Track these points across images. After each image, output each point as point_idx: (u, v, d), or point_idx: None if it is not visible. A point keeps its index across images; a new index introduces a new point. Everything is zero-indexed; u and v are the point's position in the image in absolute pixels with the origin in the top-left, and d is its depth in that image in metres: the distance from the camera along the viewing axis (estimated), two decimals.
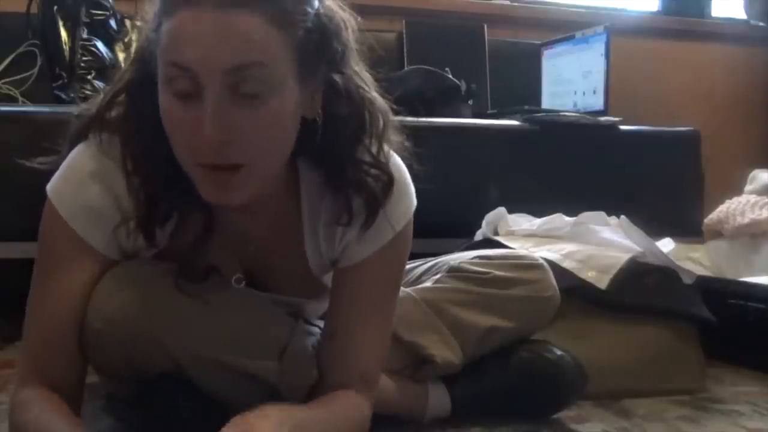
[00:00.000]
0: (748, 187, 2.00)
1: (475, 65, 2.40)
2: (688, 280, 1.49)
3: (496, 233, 1.66)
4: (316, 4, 0.88)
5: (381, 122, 0.95)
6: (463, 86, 2.11)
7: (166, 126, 0.87)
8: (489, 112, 2.26)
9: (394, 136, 0.99)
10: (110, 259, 0.96)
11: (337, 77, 0.91)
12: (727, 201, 1.97)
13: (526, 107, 2.15)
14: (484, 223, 1.68)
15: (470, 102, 2.14)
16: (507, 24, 2.62)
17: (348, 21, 0.92)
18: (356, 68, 0.94)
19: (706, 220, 1.98)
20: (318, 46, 0.88)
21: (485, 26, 2.43)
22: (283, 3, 0.84)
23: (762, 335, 1.58)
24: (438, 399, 1.17)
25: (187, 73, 0.82)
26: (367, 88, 0.94)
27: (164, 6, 0.85)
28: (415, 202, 1.03)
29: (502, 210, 1.68)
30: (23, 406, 0.89)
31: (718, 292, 1.62)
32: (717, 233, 1.94)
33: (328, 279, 1.08)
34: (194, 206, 0.94)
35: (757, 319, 1.60)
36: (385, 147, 0.97)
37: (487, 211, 1.68)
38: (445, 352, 1.16)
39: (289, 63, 0.85)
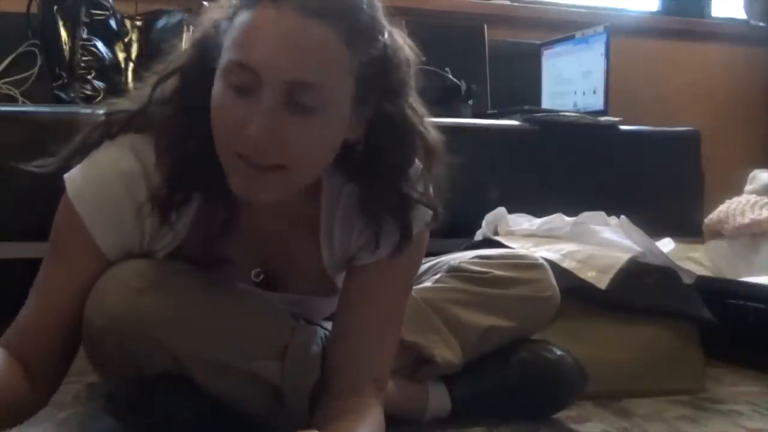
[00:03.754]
0: (748, 187, 2.00)
1: (475, 65, 2.39)
2: (688, 280, 1.49)
3: (496, 233, 1.66)
4: (386, 34, 0.89)
5: (430, 157, 0.96)
6: (463, 86, 2.11)
7: (214, 112, 0.87)
8: (489, 112, 2.26)
9: (440, 168, 0.98)
10: (101, 258, 0.96)
11: (390, 108, 0.91)
12: (727, 201, 1.97)
13: (526, 107, 2.15)
14: (484, 223, 1.68)
15: (470, 102, 2.14)
16: (507, 24, 2.62)
17: (411, 59, 0.92)
18: (412, 103, 0.94)
19: (706, 220, 1.98)
20: (378, 74, 0.88)
21: (485, 26, 2.42)
22: (359, 24, 0.85)
23: (762, 335, 1.58)
24: (438, 399, 1.17)
25: (250, 73, 0.83)
26: (419, 123, 0.94)
27: None
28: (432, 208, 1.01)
29: (502, 210, 1.68)
30: None
31: (718, 292, 1.63)
32: (717, 233, 1.94)
33: (339, 280, 1.08)
34: (219, 196, 0.94)
35: (757, 319, 1.60)
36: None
37: (487, 211, 1.68)
38: (445, 352, 1.16)
39: (348, 84, 0.86)
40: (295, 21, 0.81)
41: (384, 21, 0.90)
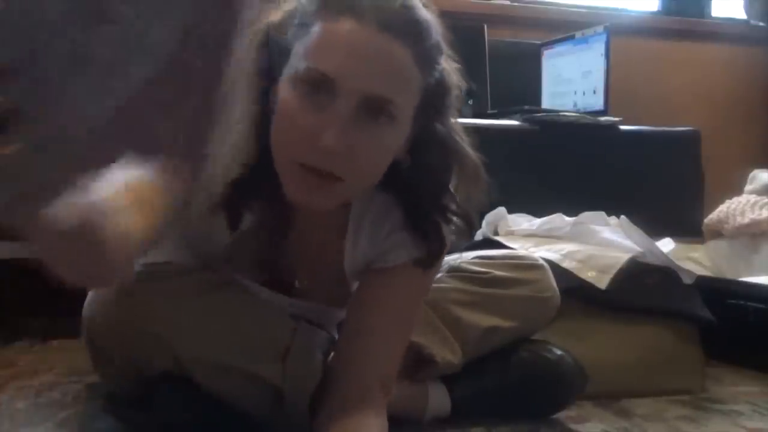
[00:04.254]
0: (748, 187, 2.00)
1: (475, 65, 2.39)
2: (688, 280, 1.49)
3: (496, 233, 1.66)
4: (442, 60, 0.92)
5: (471, 174, 0.98)
6: (463, 86, 2.11)
7: (282, 120, 0.88)
8: (489, 112, 2.26)
9: (479, 187, 1.00)
10: None
11: (440, 129, 0.94)
12: (727, 201, 1.96)
13: (526, 107, 2.15)
14: (484, 223, 1.68)
15: (470, 102, 2.13)
16: (507, 24, 2.62)
17: (459, 85, 0.95)
18: (455, 124, 0.97)
19: (706, 220, 1.98)
20: (435, 97, 0.91)
21: (485, 26, 2.43)
22: (428, 48, 0.88)
23: (762, 335, 1.58)
24: (438, 399, 1.17)
25: (327, 83, 0.84)
26: (462, 143, 0.98)
27: (325, 5, 0.86)
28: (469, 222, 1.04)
29: (502, 210, 1.68)
30: None
31: (718, 292, 1.62)
32: (717, 233, 1.94)
33: (353, 287, 1.09)
34: (274, 203, 0.94)
35: (757, 319, 1.60)
36: None
37: (487, 211, 1.68)
38: (445, 352, 1.16)
39: (413, 105, 0.89)
40: (378, 38, 0.84)
41: (443, 46, 0.92)
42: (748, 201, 1.91)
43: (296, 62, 0.87)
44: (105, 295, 0.95)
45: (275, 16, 0.92)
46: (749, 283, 1.70)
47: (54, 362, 1.40)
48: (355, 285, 1.07)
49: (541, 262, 1.25)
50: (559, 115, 2.10)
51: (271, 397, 0.98)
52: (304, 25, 0.88)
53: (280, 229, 0.97)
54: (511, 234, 1.63)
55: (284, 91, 0.88)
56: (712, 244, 1.94)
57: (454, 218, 0.99)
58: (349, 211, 1.03)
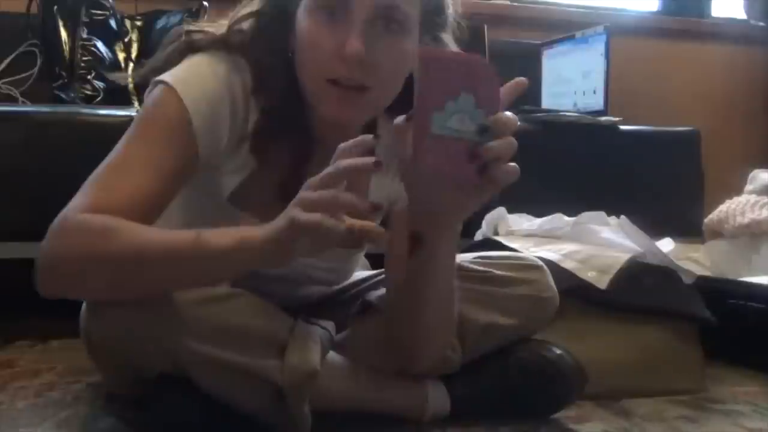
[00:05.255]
0: (748, 187, 2.00)
1: None
2: (688, 280, 1.48)
3: (496, 233, 1.66)
4: None
5: None
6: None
7: (304, 44, 0.95)
8: None
9: None
10: (194, 164, 0.97)
11: (444, 38, 1.03)
12: (727, 201, 1.96)
13: (526, 107, 2.15)
14: (484, 223, 1.68)
15: None
16: (507, 24, 2.62)
17: (453, 2, 1.03)
18: (450, 40, 1.05)
19: (706, 220, 1.98)
20: (436, 6, 1.00)
21: (485, 26, 2.43)
22: None
23: (762, 335, 1.58)
24: (438, 398, 1.17)
25: (341, 1, 0.92)
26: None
27: None
28: None
29: (502, 210, 1.68)
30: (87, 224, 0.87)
31: (718, 292, 1.62)
32: (717, 233, 1.94)
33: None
34: (296, 133, 1.02)
35: (757, 319, 1.60)
36: None
37: (487, 211, 1.68)
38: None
39: (418, 12, 0.97)
40: None
41: None
42: (748, 201, 1.91)
43: None
44: None
45: None
46: (749, 283, 1.70)
47: (54, 362, 1.40)
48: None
49: (540, 263, 1.25)
50: (559, 115, 2.10)
51: (270, 395, 0.98)
52: None
53: (304, 160, 1.02)
54: (511, 234, 1.63)
55: (302, 22, 0.96)
56: (712, 244, 1.94)
57: None
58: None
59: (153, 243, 0.86)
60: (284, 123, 1.00)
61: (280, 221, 0.81)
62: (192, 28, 1.03)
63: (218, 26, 1.03)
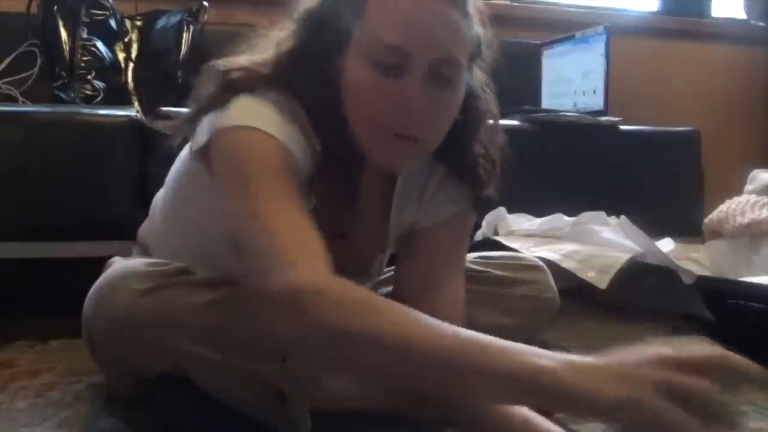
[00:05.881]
0: (748, 187, 2.00)
1: None
2: (688, 280, 1.49)
3: (496, 233, 1.66)
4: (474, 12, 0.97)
5: (492, 120, 1.06)
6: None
7: (358, 92, 0.94)
8: None
9: (500, 136, 1.08)
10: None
11: (478, 76, 1.02)
12: (727, 201, 1.96)
13: (526, 107, 2.15)
14: (484, 223, 1.68)
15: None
16: (507, 24, 2.62)
17: (490, 39, 1.01)
18: (482, 74, 1.03)
19: (706, 220, 1.98)
20: (475, 50, 0.98)
21: None
22: (469, 5, 0.95)
23: (762, 335, 1.58)
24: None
25: (399, 54, 0.90)
26: (489, 91, 1.05)
27: None
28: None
29: (502, 210, 1.68)
30: (359, 305, 0.77)
31: (718, 292, 1.62)
32: (717, 233, 1.94)
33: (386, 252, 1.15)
34: (350, 170, 1.00)
35: (757, 319, 1.60)
36: None
37: (487, 211, 1.68)
38: None
39: (466, 59, 0.96)
40: (436, 5, 0.91)
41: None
42: (748, 201, 1.91)
43: (363, 41, 0.92)
44: (106, 297, 0.95)
45: (310, 1, 0.98)
46: (749, 283, 1.70)
47: (54, 362, 1.40)
48: (388, 251, 1.13)
49: (541, 263, 1.25)
50: (559, 115, 2.10)
51: (271, 398, 0.97)
52: (357, 7, 0.93)
53: (354, 197, 1.01)
54: (511, 234, 1.63)
55: (357, 69, 0.93)
56: (712, 244, 1.94)
57: (482, 161, 1.06)
58: (394, 176, 1.08)
59: (422, 337, 0.76)
60: (339, 161, 0.98)
61: (610, 387, 0.69)
62: (226, 65, 0.97)
63: (250, 60, 0.98)
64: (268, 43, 1.01)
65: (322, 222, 0.97)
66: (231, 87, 0.95)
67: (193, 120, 0.97)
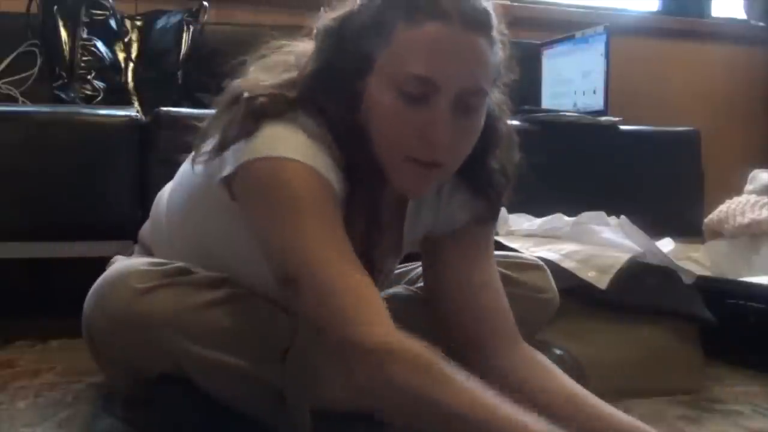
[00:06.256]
0: (748, 187, 2.00)
1: None
2: (688, 280, 1.48)
3: (496, 233, 1.66)
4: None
5: (506, 132, 1.06)
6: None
7: (383, 119, 0.93)
8: None
9: (516, 153, 1.09)
10: None
11: (495, 95, 1.01)
12: (727, 201, 1.96)
13: (526, 107, 2.15)
14: None
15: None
16: (507, 24, 2.62)
17: (507, 55, 0.99)
18: (498, 91, 1.03)
19: (706, 220, 1.98)
20: (497, 73, 0.97)
21: None
22: (493, 30, 0.94)
23: (762, 335, 1.58)
24: None
25: (430, 83, 0.89)
26: (507, 110, 1.05)
27: (405, 11, 0.90)
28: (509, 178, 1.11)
29: (502, 210, 1.68)
30: (429, 371, 0.80)
31: (718, 292, 1.62)
32: (717, 233, 1.94)
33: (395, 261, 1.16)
34: (378, 192, 0.99)
35: (757, 319, 1.60)
36: None
37: None
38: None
39: (490, 84, 0.96)
40: (465, 35, 0.90)
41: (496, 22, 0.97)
42: (748, 201, 1.91)
43: (391, 69, 0.91)
44: (106, 296, 0.95)
45: (329, 19, 0.96)
46: (749, 283, 1.70)
47: (54, 362, 1.40)
48: (398, 260, 1.15)
49: (541, 263, 1.25)
50: (559, 115, 2.10)
51: (271, 398, 0.98)
52: (383, 32, 0.91)
53: (378, 222, 1.00)
54: (511, 234, 1.63)
55: (381, 95, 0.92)
56: (712, 244, 1.94)
57: (497, 176, 1.06)
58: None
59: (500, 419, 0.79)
60: (366, 186, 0.97)
61: None
62: (254, 90, 0.94)
63: (272, 82, 0.95)
64: (286, 58, 0.99)
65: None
66: (258, 114, 0.92)
67: (220, 149, 0.93)
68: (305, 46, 0.99)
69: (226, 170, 0.92)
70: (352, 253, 0.89)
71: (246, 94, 0.93)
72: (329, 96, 0.94)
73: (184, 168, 1.10)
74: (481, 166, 1.05)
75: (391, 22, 0.91)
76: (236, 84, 0.96)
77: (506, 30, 0.98)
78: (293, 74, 0.96)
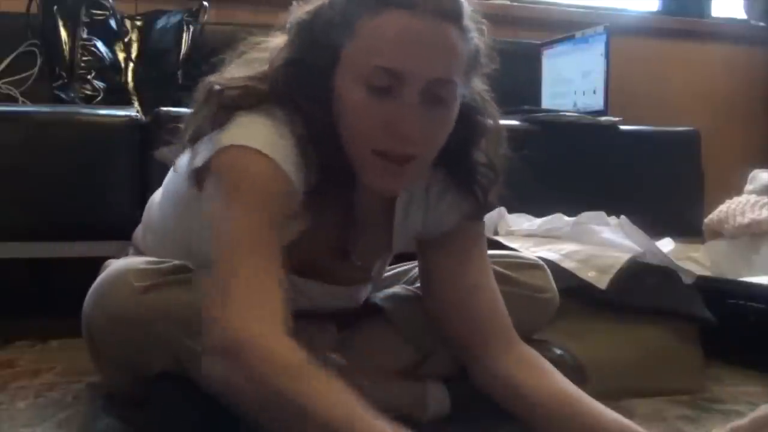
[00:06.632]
0: (748, 187, 2.00)
1: None
2: (688, 280, 1.48)
3: (496, 233, 1.66)
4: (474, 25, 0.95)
5: (494, 128, 1.04)
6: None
7: (351, 113, 0.91)
8: None
9: (503, 145, 1.06)
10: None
11: (475, 87, 1.00)
12: (727, 201, 1.96)
13: (526, 107, 2.15)
14: None
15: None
16: (507, 24, 2.62)
17: (488, 47, 0.98)
18: (476, 83, 1.01)
19: (706, 220, 1.98)
20: (473, 61, 0.95)
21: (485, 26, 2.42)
22: (465, 19, 0.92)
23: (762, 335, 1.58)
24: (438, 398, 1.17)
25: (392, 75, 0.87)
26: (489, 100, 1.03)
27: (371, 1, 0.88)
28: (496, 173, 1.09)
29: (502, 210, 1.68)
30: (286, 368, 0.79)
31: (718, 292, 1.62)
32: (717, 233, 1.94)
33: (384, 264, 1.17)
34: (346, 190, 0.98)
35: (757, 319, 1.59)
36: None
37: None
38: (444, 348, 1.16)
39: (462, 75, 0.93)
40: (432, 24, 0.88)
41: (469, 10, 0.95)
42: (748, 201, 1.91)
43: (355, 61, 0.90)
44: (106, 294, 0.95)
45: (302, 12, 0.95)
46: (749, 283, 1.70)
47: (54, 362, 1.40)
48: (389, 259, 1.15)
49: (541, 263, 1.25)
50: (559, 115, 2.10)
51: None
52: (350, 23, 0.90)
53: (352, 219, 1.00)
54: (511, 234, 1.63)
55: (348, 89, 0.91)
56: (712, 244, 1.94)
57: (483, 170, 1.04)
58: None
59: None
60: (337, 181, 0.96)
61: None
62: (223, 83, 0.95)
63: (246, 75, 0.96)
64: (262, 55, 0.98)
65: (320, 240, 0.97)
66: (229, 106, 0.93)
67: (191, 143, 0.94)
68: (279, 41, 0.99)
69: (197, 162, 0.93)
70: (271, 249, 0.86)
71: (217, 88, 0.94)
72: (302, 92, 0.93)
73: (170, 180, 1.10)
74: (465, 161, 1.03)
75: (357, 12, 0.90)
76: (210, 79, 0.97)
77: (482, 18, 0.97)
78: (266, 68, 0.96)
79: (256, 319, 0.81)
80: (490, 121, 1.03)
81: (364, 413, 0.78)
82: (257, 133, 0.90)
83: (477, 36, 0.96)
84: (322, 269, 1.06)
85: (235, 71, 0.97)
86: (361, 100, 0.90)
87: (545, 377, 1.02)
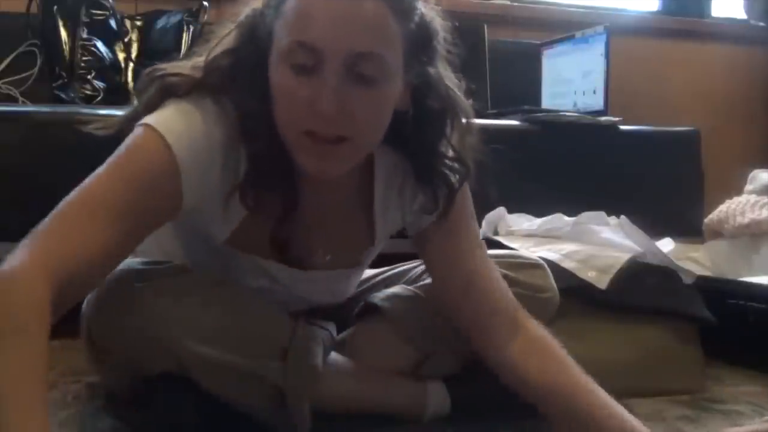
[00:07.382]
0: (748, 187, 2.00)
1: (475, 65, 2.39)
2: (688, 280, 1.48)
3: (496, 233, 1.66)
4: (420, 5, 0.93)
5: (464, 119, 1.02)
6: (463, 86, 2.10)
7: (279, 95, 0.90)
8: (489, 112, 2.26)
9: (473, 136, 1.04)
10: (171, 214, 0.93)
11: (433, 73, 0.97)
12: (727, 201, 1.96)
13: (526, 107, 2.15)
14: (484, 223, 1.68)
15: (470, 102, 2.13)
16: (507, 24, 2.62)
17: (444, 27, 0.97)
18: (444, 70, 0.99)
19: (706, 220, 1.98)
20: (421, 42, 0.93)
21: (485, 26, 2.42)
22: None
23: (762, 335, 1.58)
24: (438, 398, 1.17)
25: (312, 51, 0.86)
26: (453, 88, 1.00)
27: None
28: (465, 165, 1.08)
29: (502, 210, 1.68)
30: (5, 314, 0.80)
31: (718, 292, 1.62)
32: (717, 233, 1.94)
33: (373, 252, 1.16)
34: (284, 179, 0.97)
35: (757, 319, 1.59)
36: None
37: (487, 211, 1.68)
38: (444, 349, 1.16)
39: (399, 54, 0.91)
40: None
41: None
42: (748, 201, 1.91)
43: (279, 41, 0.89)
44: (107, 295, 0.95)
45: (254, 3, 0.96)
46: (749, 283, 1.70)
47: (54, 362, 1.39)
48: (379, 246, 1.15)
49: (541, 262, 1.25)
50: (559, 115, 2.10)
51: (271, 397, 0.98)
52: (278, 7, 0.90)
53: (293, 206, 0.99)
54: (511, 234, 1.63)
55: (276, 71, 0.90)
56: (712, 244, 1.94)
57: (452, 163, 1.03)
58: (371, 180, 1.06)
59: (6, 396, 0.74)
60: (272, 170, 0.95)
61: None
62: (165, 70, 0.96)
63: (192, 64, 0.97)
64: (212, 45, 0.99)
65: (258, 232, 0.97)
66: (167, 91, 0.93)
67: (131, 121, 0.94)
68: (225, 32, 0.99)
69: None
70: (114, 216, 0.84)
71: (158, 74, 0.95)
72: (237, 80, 0.93)
73: None
74: (431, 154, 1.02)
75: None
76: (156, 66, 0.97)
77: (435, 3, 0.96)
78: (204, 58, 0.96)
79: (41, 252, 0.81)
80: (459, 113, 1.01)
81: (34, 402, 0.76)
82: (170, 120, 0.91)
83: (429, 16, 0.95)
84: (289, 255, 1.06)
85: (183, 61, 0.99)
86: (286, 80, 0.89)
87: (551, 364, 1.04)
